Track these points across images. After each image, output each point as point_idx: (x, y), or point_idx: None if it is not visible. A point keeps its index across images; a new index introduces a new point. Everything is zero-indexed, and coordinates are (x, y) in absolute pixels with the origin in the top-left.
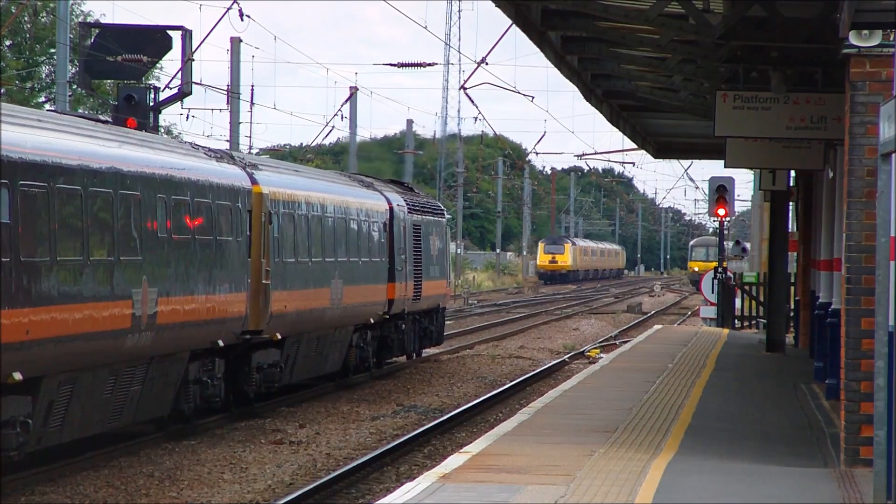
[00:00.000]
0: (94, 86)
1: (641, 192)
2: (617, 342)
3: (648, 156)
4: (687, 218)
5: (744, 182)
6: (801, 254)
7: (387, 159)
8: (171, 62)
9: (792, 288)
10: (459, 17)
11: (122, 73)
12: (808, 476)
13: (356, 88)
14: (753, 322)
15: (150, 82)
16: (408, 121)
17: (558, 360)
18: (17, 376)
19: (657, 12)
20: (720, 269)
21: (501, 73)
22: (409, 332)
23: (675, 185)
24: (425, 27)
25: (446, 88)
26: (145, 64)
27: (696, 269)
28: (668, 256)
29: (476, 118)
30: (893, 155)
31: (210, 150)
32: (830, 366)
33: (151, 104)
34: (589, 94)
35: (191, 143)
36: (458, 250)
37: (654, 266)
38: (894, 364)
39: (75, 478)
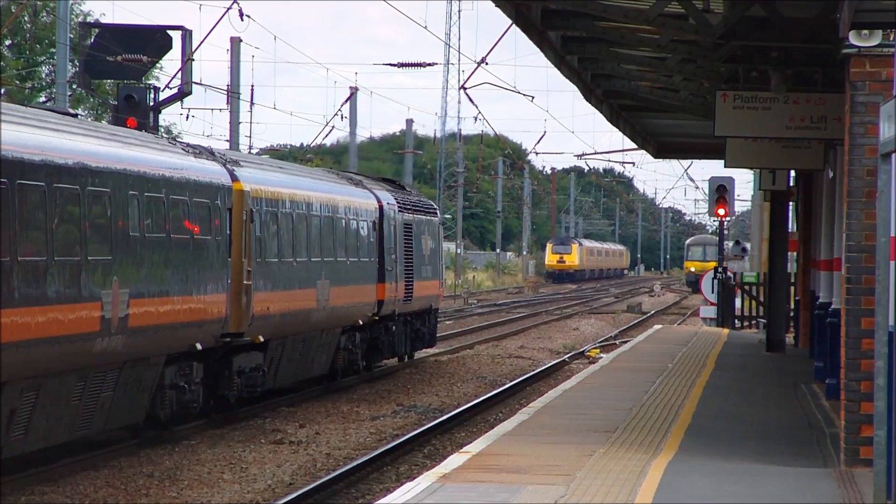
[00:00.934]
0: (94, 86)
1: (641, 192)
2: (617, 342)
3: (648, 156)
4: (687, 218)
5: (744, 182)
6: (801, 254)
7: (387, 159)
8: (171, 62)
9: (792, 288)
10: (459, 17)
11: (122, 73)
12: (808, 476)
13: (356, 88)
14: (753, 322)
15: (150, 82)
16: (407, 120)
17: (558, 360)
18: None
19: (657, 12)
20: (720, 269)
21: (501, 73)
22: (400, 334)
23: (675, 185)
24: (425, 27)
25: (446, 88)
26: (145, 64)
27: (693, 269)
28: (668, 256)
29: (476, 118)
30: (893, 155)
31: (189, 145)
32: (830, 366)
33: (151, 104)
34: (589, 94)
35: (168, 139)
36: (459, 250)
37: (654, 266)
38: (894, 364)
39: (75, 478)
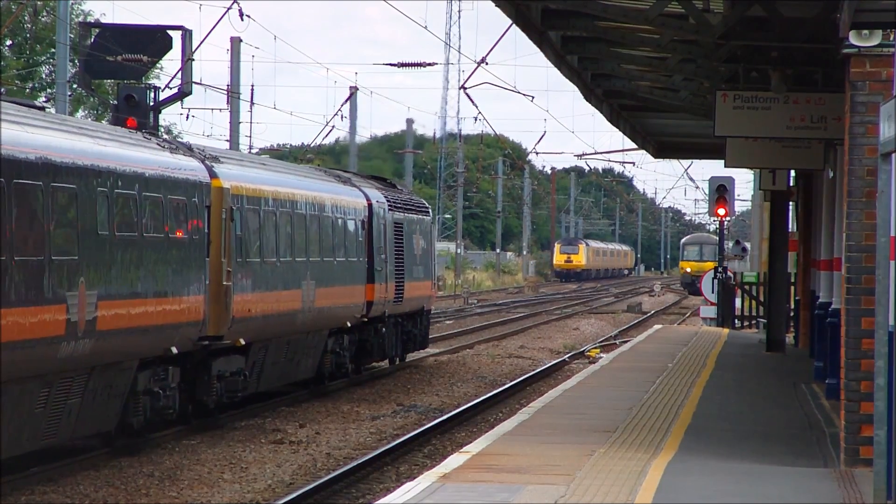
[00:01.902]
0: (94, 86)
1: (641, 191)
2: (617, 342)
3: (648, 156)
4: (687, 218)
5: (744, 182)
6: (801, 254)
7: (387, 159)
8: (171, 62)
9: (792, 288)
10: (459, 17)
11: (122, 72)
12: (808, 476)
13: (356, 88)
14: (753, 322)
15: (150, 82)
16: (407, 120)
17: (558, 360)
18: None
19: (657, 12)
20: (720, 269)
21: (501, 73)
22: (390, 336)
23: (675, 184)
24: (425, 27)
25: (446, 88)
26: (145, 64)
27: (689, 269)
28: (668, 256)
29: (476, 118)
30: (893, 155)
31: (165, 140)
32: (830, 365)
33: (151, 104)
34: (589, 94)
35: (143, 133)
36: (459, 250)
37: (655, 266)
38: (894, 364)
39: (75, 478)
